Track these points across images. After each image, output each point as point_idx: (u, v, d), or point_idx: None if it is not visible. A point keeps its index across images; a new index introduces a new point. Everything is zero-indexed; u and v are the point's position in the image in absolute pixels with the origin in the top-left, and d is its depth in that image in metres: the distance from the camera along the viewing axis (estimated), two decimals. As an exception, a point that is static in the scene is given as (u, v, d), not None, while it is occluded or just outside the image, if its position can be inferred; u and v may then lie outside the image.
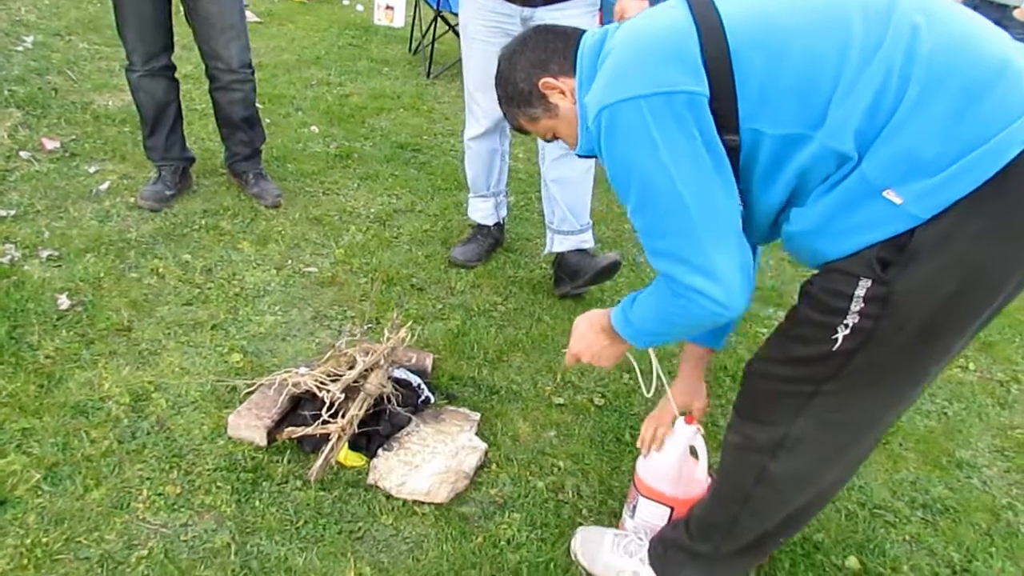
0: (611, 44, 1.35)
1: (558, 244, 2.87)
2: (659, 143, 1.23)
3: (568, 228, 2.82)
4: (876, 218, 1.18)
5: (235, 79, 3.04)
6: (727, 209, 1.29)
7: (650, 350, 1.77)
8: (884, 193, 1.17)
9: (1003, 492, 2.28)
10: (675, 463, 1.79)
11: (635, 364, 1.94)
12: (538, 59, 1.48)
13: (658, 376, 1.83)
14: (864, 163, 1.18)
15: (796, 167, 1.23)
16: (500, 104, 1.59)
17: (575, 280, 2.84)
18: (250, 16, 5.79)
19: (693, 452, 1.81)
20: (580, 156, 1.47)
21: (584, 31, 1.47)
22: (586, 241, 2.85)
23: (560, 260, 2.90)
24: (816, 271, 1.33)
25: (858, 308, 1.23)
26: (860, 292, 1.22)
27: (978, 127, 1.13)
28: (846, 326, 1.25)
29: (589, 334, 1.66)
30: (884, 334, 1.24)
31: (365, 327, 2.27)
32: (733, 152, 1.26)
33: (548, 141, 1.59)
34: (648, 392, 1.92)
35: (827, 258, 1.27)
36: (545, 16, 2.50)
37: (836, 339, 1.27)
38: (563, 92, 1.45)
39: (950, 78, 1.14)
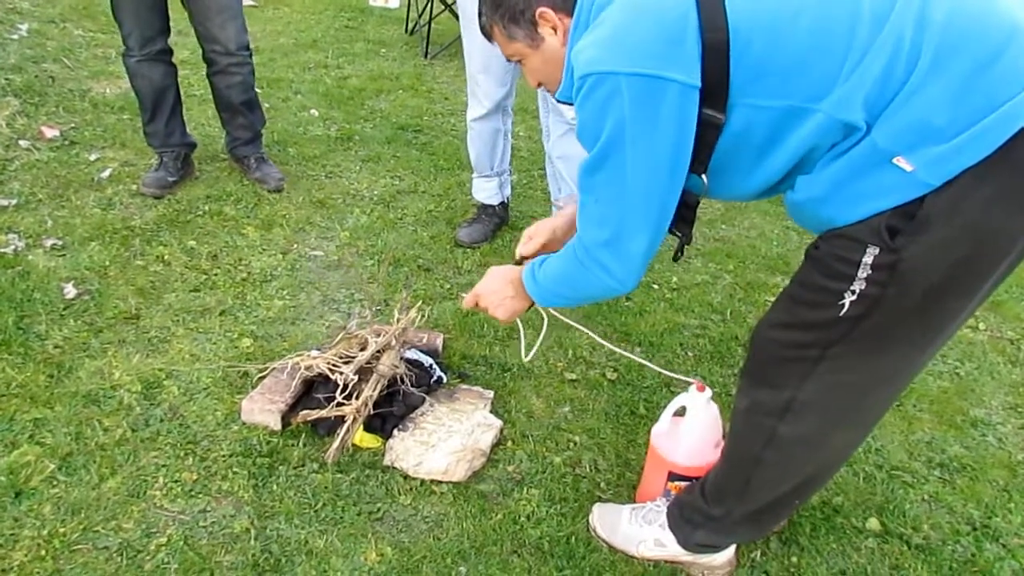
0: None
1: None
2: (627, 124, 1.22)
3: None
4: (886, 185, 1.17)
5: (233, 62, 3.00)
6: (663, 201, 1.31)
7: (544, 317, 1.80)
8: (894, 160, 1.15)
9: (1018, 448, 2.28)
10: (701, 435, 1.79)
11: (521, 328, 1.94)
12: None
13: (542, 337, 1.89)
14: (874, 131, 1.16)
15: (799, 138, 1.21)
16: (482, 3, 1.48)
17: None
18: (246, 0, 5.73)
19: (681, 411, 1.82)
20: (559, 100, 1.44)
21: None
22: None
23: None
24: (822, 236, 1.32)
25: (865, 275, 1.23)
26: (868, 259, 1.21)
27: (989, 93, 1.12)
28: (853, 292, 1.25)
29: (497, 281, 1.68)
30: (891, 300, 1.24)
31: (375, 309, 2.25)
32: (714, 128, 1.24)
33: (509, 62, 1.53)
34: (526, 356, 1.95)
35: (834, 224, 1.26)
36: None
37: (843, 304, 1.27)
38: (555, 29, 1.38)
39: (962, 45, 1.13)
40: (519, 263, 1.75)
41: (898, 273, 1.21)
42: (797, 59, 1.17)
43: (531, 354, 1.93)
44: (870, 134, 1.17)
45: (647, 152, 1.24)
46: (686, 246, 1.53)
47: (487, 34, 1.49)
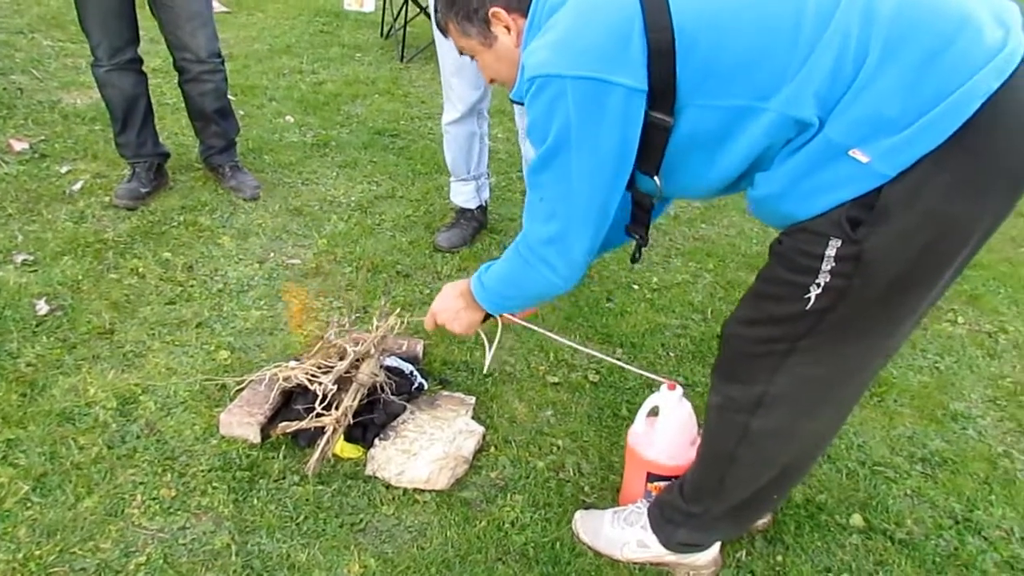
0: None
1: None
2: (572, 126, 1.24)
3: None
4: (843, 177, 1.18)
5: (205, 70, 2.97)
6: (605, 200, 1.33)
7: (499, 324, 1.81)
8: (850, 152, 1.16)
9: (998, 441, 2.29)
10: (677, 434, 1.79)
11: (486, 340, 1.93)
12: None
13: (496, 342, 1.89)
14: (828, 126, 1.17)
15: (751, 137, 1.22)
16: (438, 0, 1.49)
17: None
18: (218, 6, 5.67)
19: (655, 412, 1.81)
20: (512, 100, 1.44)
21: None
22: None
23: None
24: (785, 231, 1.32)
25: (829, 267, 1.24)
26: (831, 252, 1.22)
27: (941, 82, 1.12)
28: (818, 285, 1.26)
29: (448, 296, 1.73)
30: (857, 291, 1.25)
31: (353, 317, 2.23)
32: (662, 131, 1.25)
33: (461, 54, 1.53)
34: (487, 367, 1.96)
35: (796, 219, 1.27)
36: None
37: (809, 298, 1.28)
38: (508, 28, 1.39)
39: (912, 35, 1.14)
40: None
41: (862, 264, 1.21)
42: (743, 58, 1.18)
43: (487, 365, 1.94)
44: (823, 129, 1.18)
45: (591, 154, 1.26)
46: (643, 247, 1.55)
47: (442, 29, 1.50)
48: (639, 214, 1.48)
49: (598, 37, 1.21)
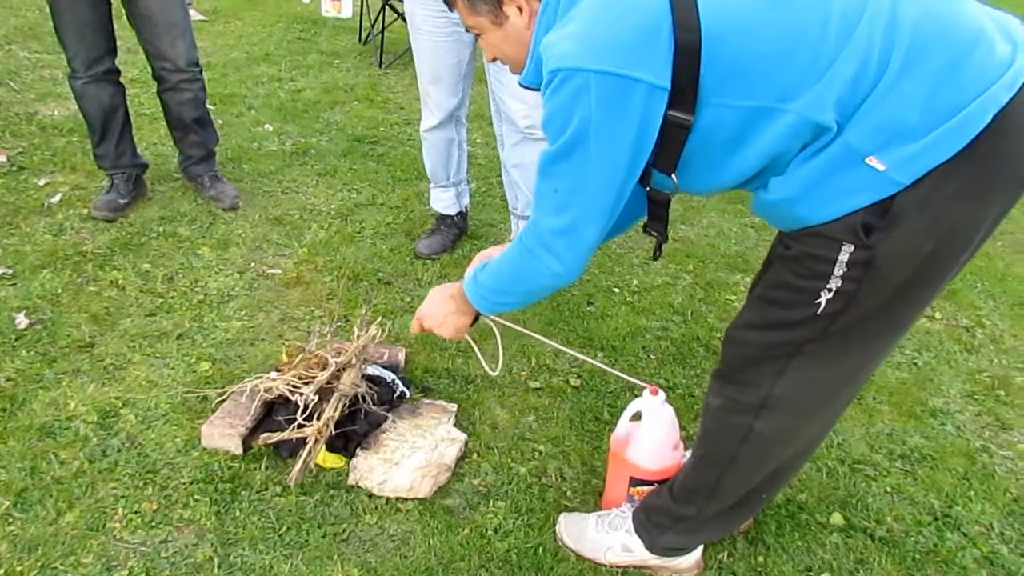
0: None
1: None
2: (593, 120, 1.22)
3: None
4: (859, 184, 1.19)
5: (183, 79, 2.96)
6: (618, 195, 1.32)
7: (495, 329, 1.80)
8: (867, 160, 1.18)
9: (976, 436, 2.33)
10: (659, 439, 1.80)
11: (472, 344, 1.93)
12: None
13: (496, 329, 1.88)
14: (847, 132, 1.18)
15: (768, 138, 1.22)
16: None
17: None
18: (195, 15, 5.65)
19: (637, 416, 1.82)
20: (521, 85, 1.43)
21: None
22: None
23: None
24: (790, 234, 1.33)
25: (841, 272, 1.25)
26: (843, 257, 1.24)
27: (958, 93, 1.15)
28: (830, 290, 1.28)
29: (436, 299, 1.71)
30: (865, 295, 1.27)
31: (334, 326, 2.23)
32: (682, 129, 1.24)
33: (467, 31, 1.50)
34: (495, 371, 1.94)
35: (807, 223, 1.28)
36: None
37: (819, 303, 1.29)
38: (520, 9, 1.37)
39: (933, 46, 1.16)
40: None
41: (873, 269, 1.23)
42: (767, 61, 1.18)
43: (499, 367, 1.92)
44: (842, 134, 1.19)
45: (609, 148, 1.25)
46: (664, 244, 1.54)
47: (449, 4, 1.46)
48: (656, 211, 1.46)
49: (626, 33, 1.19)
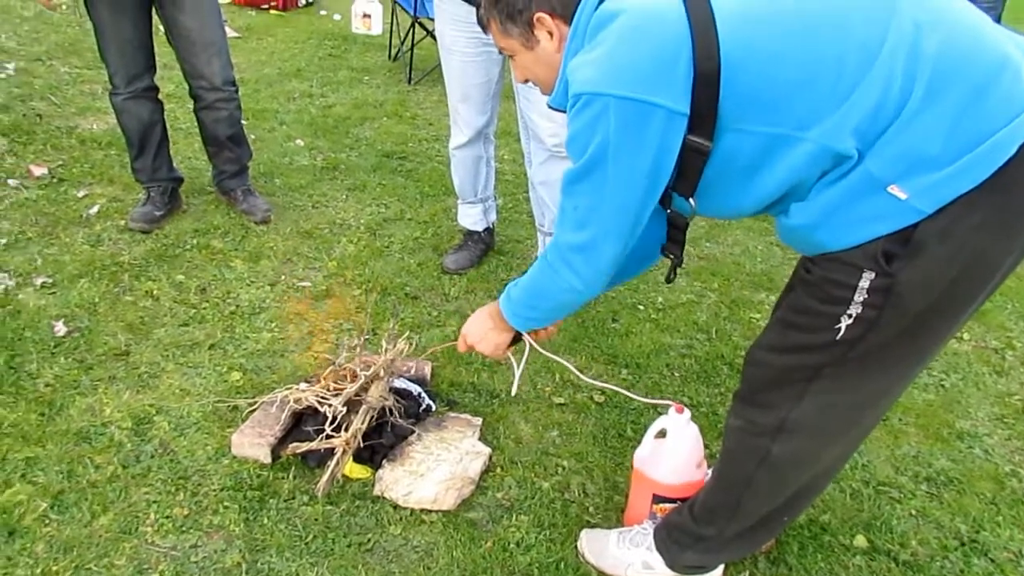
0: (612, 12, 1.29)
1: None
2: (612, 143, 1.26)
3: None
4: (881, 212, 1.20)
5: (219, 97, 3.03)
6: (636, 216, 1.35)
7: (526, 347, 1.82)
8: (888, 188, 1.18)
9: (1005, 460, 2.30)
10: (683, 457, 1.82)
11: (514, 362, 1.95)
12: None
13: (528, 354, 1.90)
14: (868, 160, 1.19)
15: (787, 165, 1.24)
16: None
17: None
18: (229, 32, 5.74)
19: (662, 434, 1.84)
20: (550, 106, 1.47)
21: None
22: None
23: None
24: (811, 259, 1.34)
25: (861, 299, 1.26)
26: (864, 283, 1.24)
27: (982, 123, 1.15)
28: (849, 316, 1.28)
29: (477, 318, 1.76)
30: (886, 322, 1.27)
31: (363, 339, 2.27)
32: (700, 154, 1.27)
33: (500, 53, 1.55)
34: (514, 390, 1.97)
35: (828, 249, 1.28)
36: None
37: (839, 328, 1.30)
38: (551, 33, 1.42)
39: (956, 75, 1.16)
40: None
41: (893, 296, 1.24)
42: (786, 89, 1.20)
43: (514, 388, 1.95)
44: (863, 162, 1.20)
45: (627, 171, 1.29)
46: (679, 267, 1.56)
47: (483, 26, 1.52)
48: (674, 234, 1.49)
49: (646, 59, 1.23)
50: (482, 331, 1.74)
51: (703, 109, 1.22)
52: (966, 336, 2.90)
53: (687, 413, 1.80)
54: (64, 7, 2.77)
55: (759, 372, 1.51)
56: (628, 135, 1.25)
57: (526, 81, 1.56)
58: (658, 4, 1.25)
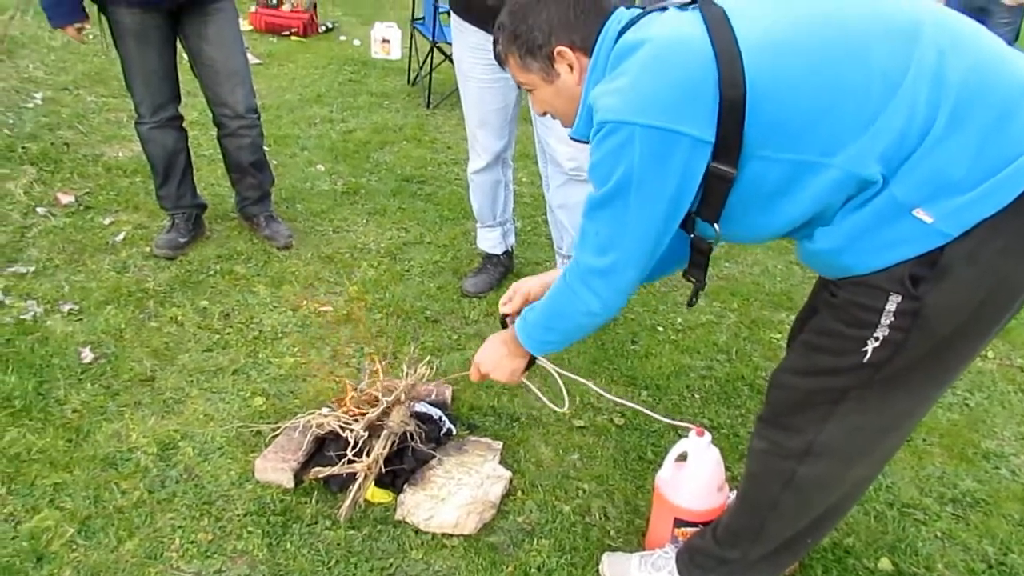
0: (635, 42, 1.30)
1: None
2: (635, 171, 1.27)
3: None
4: (906, 236, 1.21)
5: (242, 125, 3.09)
6: (657, 241, 1.37)
7: (549, 368, 1.83)
8: (914, 212, 1.20)
9: (1033, 481, 2.27)
10: (704, 480, 1.81)
11: (531, 386, 1.98)
12: (567, 19, 1.42)
13: (558, 375, 1.93)
14: (893, 185, 1.21)
15: (812, 191, 1.25)
16: (500, 30, 1.50)
17: None
18: (251, 58, 5.83)
19: (683, 457, 1.83)
20: (572, 138, 1.49)
21: (618, 6, 1.44)
22: None
23: None
24: (836, 282, 1.35)
25: (888, 322, 1.26)
26: (891, 307, 1.25)
27: (1007, 147, 1.17)
28: (876, 339, 1.29)
29: (491, 345, 1.77)
30: (913, 344, 1.28)
31: (384, 363, 2.29)
32: (725, 181, 1.28)
33: (518, 87, 1.55)
34: (564, 407, 1.95)
35: (854, 272, 1.29)
36: None
37: (866, 351, 1.31)
38: (571, 67, 1.43)
39: (979, 101, 1.18)
40: (504, 324, 1.80)
41: (920, 319, 1.25)
42: (811, 116, 1.21)
43: (566, 404, 1.94)
44: (888, 187, 1.21)
45: (651, 198, 1.30)
46: (700, 291, 1.57)
47: (501, 61, 1.53)
48: (697, 258, 1.50)
49: (671, 88, 1.24)
50: (496, 358, 1.75)
51: (728, 137, 1.23)
52: (991, 354, 2.87)
53: (708, 436, 1.80)
54: (91, 37, 2.82)
55: (784, 395, 1.51)
56: (653, 163, 1.26)
57: (544, 113, 1.58)
58: (682, 33, 1.27)
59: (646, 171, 1.27)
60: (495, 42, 1.52)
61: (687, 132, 1.23)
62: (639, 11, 1.41)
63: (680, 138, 1.23)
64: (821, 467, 1.48)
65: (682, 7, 1.33)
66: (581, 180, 2.67)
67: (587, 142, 1.40)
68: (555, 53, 1.42)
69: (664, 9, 1.37)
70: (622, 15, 1.41)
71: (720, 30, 1.23)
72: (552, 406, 1.96)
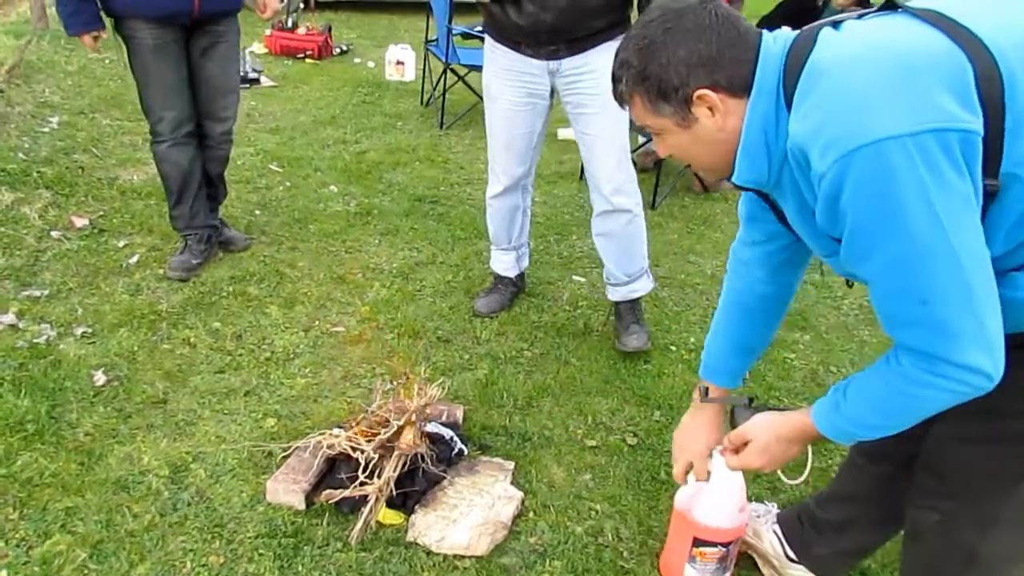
0: (842, 56, 1.13)
1: (610, 293, 2.91)
2: (931, 190, 1.03)
3: (614, 280, 2.85)
4: None
5: (224, 140, 3.23)
6: (990, 266, 1.10)
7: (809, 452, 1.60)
8: None
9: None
10: (727, 500, 1.79)
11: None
12: (708, 57, 1.19)
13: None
14: None
15: None
16: (624, 67, 1.26)
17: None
18: (266, 80, 5.93)
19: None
20: (736, 185, 1.28)
21: (762, 33, 1.23)
22: (635, 291, 2.85)
23: (615, 309, 2.93)
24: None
25: None
26: None
27: None
28: None
29: (775, 445, 1.44)
30: None
31: (396, 384, 2.29)
32: (991, 199, 1.08)
33: (642, 131, 1.36)
34: (801, 478, 1.68)
35: None
36: (570, 66, 2.53)
37: None
38: (712, 110, 1.21)
39: None
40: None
41: None
42: None
43: (805, 473, 1.67)
44: None
45: (965, 215, 1.06)
46: None
47: (622, 101, 1.31)
48: None
49: (921, 85, 1.05)
50: (782, 459, 1.45)
51: (992, 139, 1.05)
52: None
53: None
54: (107, 61, 2.87)
55: (960, 465, 1.38)
56: (941, 171, 1.03)
57: (669, 156, 1.39)
58: (909, 32, 1.11)
59: (940, 183, 1.03)
60: (615, 80, 1.29)
61: (959, 125, 1.03)
62: (793, 32, 1.22)
63: (952, 133, 1.03)
64: (1006, 542, 1.37)
65: (878, 13, 1.17)
66: (622, 210, 2.66)
67: (757, 190, 1.28)
68: (694, 96, 1.21)
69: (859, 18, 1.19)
70: (777, 38, 1.22)
71: (948, 26, 1.08)
72: (785, 480, 1.77)
